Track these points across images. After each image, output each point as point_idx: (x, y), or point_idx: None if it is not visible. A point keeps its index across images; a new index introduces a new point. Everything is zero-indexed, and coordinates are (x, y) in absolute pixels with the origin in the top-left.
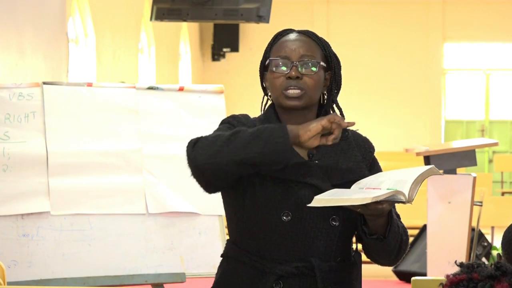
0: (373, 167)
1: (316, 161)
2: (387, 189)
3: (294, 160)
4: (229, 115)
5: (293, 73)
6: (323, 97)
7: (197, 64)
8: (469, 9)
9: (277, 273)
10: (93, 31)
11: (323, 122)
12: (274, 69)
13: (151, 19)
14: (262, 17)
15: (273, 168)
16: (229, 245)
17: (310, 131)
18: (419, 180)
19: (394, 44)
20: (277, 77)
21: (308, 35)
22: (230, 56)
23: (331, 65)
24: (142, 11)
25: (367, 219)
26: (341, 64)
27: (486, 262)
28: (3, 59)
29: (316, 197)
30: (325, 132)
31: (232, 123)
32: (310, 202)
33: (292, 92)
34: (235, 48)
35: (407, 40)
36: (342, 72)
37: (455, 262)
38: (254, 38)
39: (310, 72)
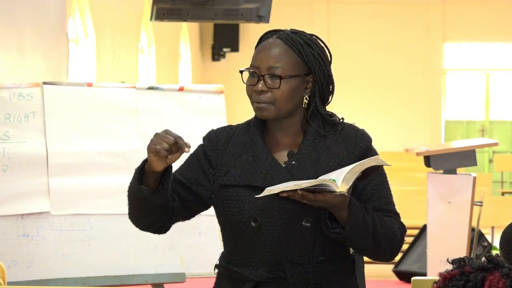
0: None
1: (293, 162)
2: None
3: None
4: (227, 117)
5: (259, 86)
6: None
7: (197, 64)
8: (469, 9)
9: (254, 279)
10: (93, 31)
11: (147, 149)
12: (244, 80)
13: (151, 19)
14: (262, 17)
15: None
16: (220, 258)
17: (148, 158)
18: (357, 170)
19: (394, 44)
20: (248, 89)
21: (285, 41)
22: (230, 56)
23: (312, 69)
24: (142, 11)
25: (333, 212)
26: (341, 64)
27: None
28: (3, 59)
29: (267, 188)
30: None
31: (208, 139)
32: (276, 206)
33: (260, 105)
34: (235, 48)
35: (407, 40)
36: (342, 72)
37: (447, 259)
38: (254, 38)
39: (275, 85)
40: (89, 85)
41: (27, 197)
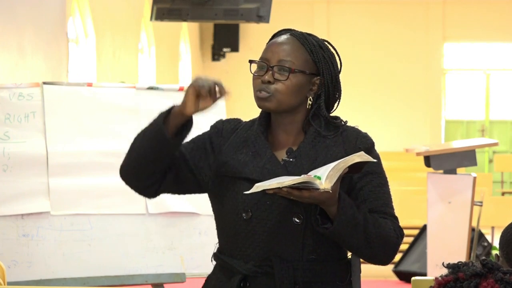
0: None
1: (291, 159)
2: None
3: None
4: (227, 116)
5: (266, 77)
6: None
7: (197, 64)
8: (469, 9)
9: (243, 272)
10: (93, 31)
11: (189, 87)
12: (252, 71)
13: (151, 19)
14: (262, 17)
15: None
16: (216, 248)
17: (184, 98)
18: (341, 167)
19: (394, 44)
20: (254, 78)
21: (298, 38)
22: (230, 56)
23: (321, 71)
24: (142, 11)
25: (323, 208)
26: (341, 64)
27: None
28: (3, 59)
29: (256, 184)
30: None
31: (215, 127)
32: (269, 201)
33: (261, 94)
34: (235, 48)
35: (407, 40)
36: (342, 72)
37: (443, 263)
38: (254, 38)
39: (282, 78)
40: (89, 85)
41: (27, 197)
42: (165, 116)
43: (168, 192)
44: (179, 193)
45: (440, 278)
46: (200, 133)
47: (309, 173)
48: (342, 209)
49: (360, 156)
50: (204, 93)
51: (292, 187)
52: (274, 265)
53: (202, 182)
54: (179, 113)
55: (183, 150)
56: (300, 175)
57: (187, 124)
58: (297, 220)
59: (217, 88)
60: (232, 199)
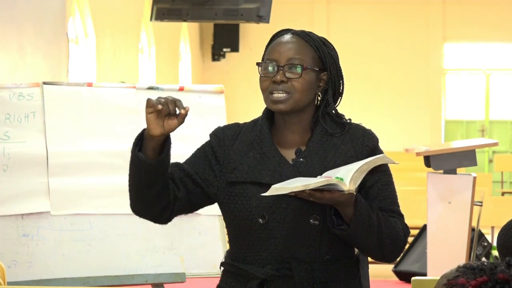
0: None
1: (301, 159)
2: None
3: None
4: (227, 116)
5: (278, 77)
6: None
7: (197, 64)
8: (469, 9)
9: (260, 276)
10: (93, 31)
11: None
12: (261, 72)
13: (151, 19)
14: (262, 17)
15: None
16: (225, 256)
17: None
18: (364, 169)
19: (394, 44)
20: (264, 80)
21: (302, 36)
22: (230, 56)
23: (327, 66)
24: (142, 11)
25: (338, 209)
26: (341, 64)
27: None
28: (3, 59)
29: (273, 186)
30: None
31: (215, 135)
32: (284, 203)
33: (277, 96)
34: (235, 48)
35: (407, 40)
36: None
37: (465, 265)
38: (254, 38)
39: (295, 76)
40: (89, 85)
41: (27, 197)
42: (138, 141)
43: (182, 213)
44: (192, 211)
45: (472, 281)
46: (200, 135)
47: (324, 174)
48: (359, 211)
49: (383, 159)
50: (164, 111)
51: (315, 189)
52: (293, 267)
53: (210, 193)
54: (148, 137)
55: (187, 168)
56: (311, 176)
57: (166, 142)
58: (315, 222)
59: (176, 104)
60: (245, 204)
